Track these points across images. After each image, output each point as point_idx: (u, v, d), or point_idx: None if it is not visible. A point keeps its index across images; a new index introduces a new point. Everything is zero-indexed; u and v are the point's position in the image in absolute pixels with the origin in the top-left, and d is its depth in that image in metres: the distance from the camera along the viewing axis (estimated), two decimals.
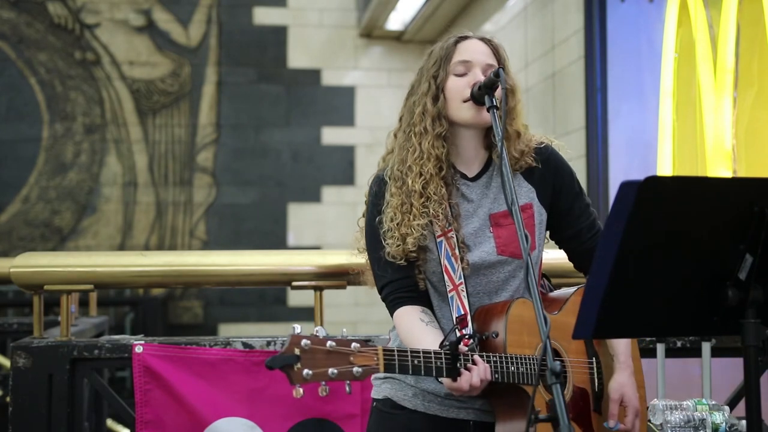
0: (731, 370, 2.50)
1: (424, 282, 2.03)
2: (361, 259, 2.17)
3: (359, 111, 8.30)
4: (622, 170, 4.67)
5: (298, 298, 7.82)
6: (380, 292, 2.06)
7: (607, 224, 1.50)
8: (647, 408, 2.30)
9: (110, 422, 4.79)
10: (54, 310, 5.34)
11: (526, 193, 2.05)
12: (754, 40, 3.95)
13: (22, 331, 4.23)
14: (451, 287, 1.97)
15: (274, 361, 1.58)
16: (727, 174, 4.01)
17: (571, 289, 2.08)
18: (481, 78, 1.99)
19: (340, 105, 8.29)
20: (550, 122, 5.37)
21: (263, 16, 8.27)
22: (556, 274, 2.57)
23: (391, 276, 2.02)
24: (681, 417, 2.21)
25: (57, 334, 2.84)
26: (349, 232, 2.20)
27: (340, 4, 8.33)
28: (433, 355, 1.76)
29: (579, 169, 4.71)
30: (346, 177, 8.20)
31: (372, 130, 8.08)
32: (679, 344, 2.77)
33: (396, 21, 7.91)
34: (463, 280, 1.96)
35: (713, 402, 2.30)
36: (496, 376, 1.81)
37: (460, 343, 1.79)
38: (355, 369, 1.63)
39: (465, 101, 2.00)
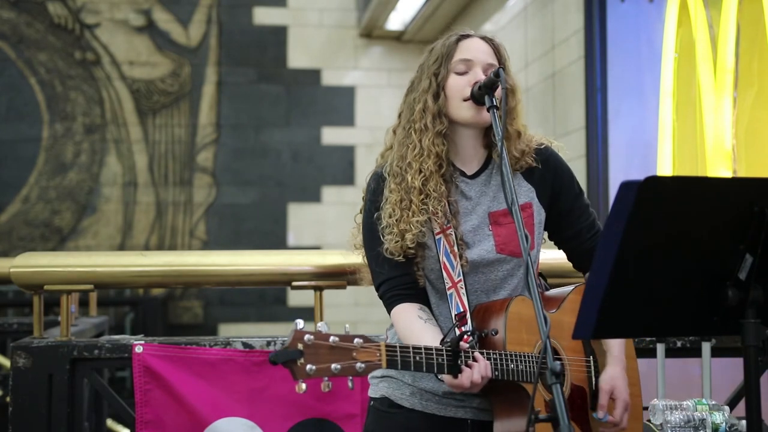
0: (731, 370, 2.51)
1: (423, 279, 2.02)
2: (357, 255, 2.15)
3: (359, 111, 8.30)
4: (622, 170, 4.67)
5: (298, 298, 7.81)
6: (377, 290, 2.05)
7: (607, 224, 1.50)
8: (647, 408, 2.30)
9: (110, 422, 4.79)
10: (54, 310, 5.34)
11: (525, 193, 2.06)
12: (754, 40, 3.95)
13: (22, 331, 4.23)
14: (450, 284, 1.97)
15: (278, 356, 1.57)
16: (727, 174, 4.01)
17: (569, 288, 2.08)
18: (482, 77, 1.99)
19: (340, 105, 8.29)
20: (550, 122, 5.37)
21: (263, 16, 8.27)
22: (555, 274, 2.57)
23: (388, 273, 2.01)
24: (681, 417, 2.21)
25: (57, 334, 2.84)
26: (349, 232, 2.19)
27: (340, 4, 8.33)
28: (434, 351, 1.76)
29: (579, 169, 4.71)
30: (346, 177, 8.21)
31: (372, 130, 8.08)
32: (679, 344, 2.78)
33: (396, 21, 7.91)
34: (462, 277, 1.96)
35: (713, 402, 2.30)
36: (496, 373, 1.81)
37: (461, 340, 1.79)
38: (358, 365, 1.63)
39: (465, 100, 2.00)
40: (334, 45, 8.33)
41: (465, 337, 1.84)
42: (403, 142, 2.05)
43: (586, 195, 2.16)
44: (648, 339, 2.71)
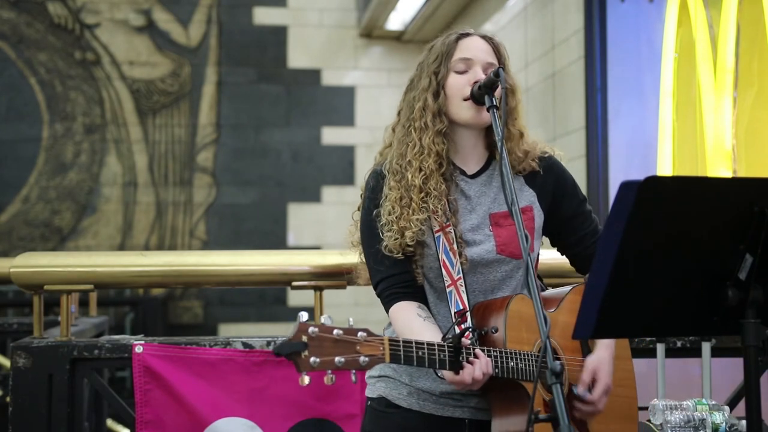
0: (731, 370, 2.51)
1: (422, 277, 2.01)
2: (355, 253, 2.14)
3: (359, 111, 8.30)
4: (622, 170, 4.67)
5: (298, 298, 7.81)
6: (375, 287, 2.04)
7: (607, 224, 1.50)
8: (647, 408, 2.30)
9: (110, 422, 4.79)
10: (54, 310, 5.34)
11: (527, 197, 2.05)
12: (754, 40, 3.95)
13: (22, 331, 4.23)
14: (450, 282, 1.96)
15: (282, 347, 1.57)
16: (727, 174, 4.01)
17: (566, 288, 2.08)
18: (482, 76, 1.99)
19: (340, 105, 8.29)
20: (550, 122, 5.37)
21: (263, 16, 8.27)
22: (554, 275, 2.57)
23: (387, 271, 2.00)
24: (681, 417, 2.21)
25: (57, 334, 2.84)
26: (348, 231, 2.18)
27: (340, 4, 8.33)
28: (436, 347, 1.76)
29: (579, 169, 4.71)
30: (346, 177, 8.21)
31: (372, 130, 8.07)
32: (679, 344, 2.77)
33: (396, 21, 7.91)
34: (461, 275, 1.95)
35: (713, 402, 2.30)
36: (497, 371, 1.81)
37: (463, 336, 1.79)
38: (362, 358, 1.62)
39: (465, 99, 2.00)
40: (334, 45, 8.33)
41: (466, 333, 1.84)
42: (402, 140, 2.04)
43: (586, 195, 2.16)
44: (648, 339, 2.71)
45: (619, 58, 4.75)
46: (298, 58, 8.27)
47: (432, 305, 2.02)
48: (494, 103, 1.93)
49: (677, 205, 1.51)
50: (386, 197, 2.01)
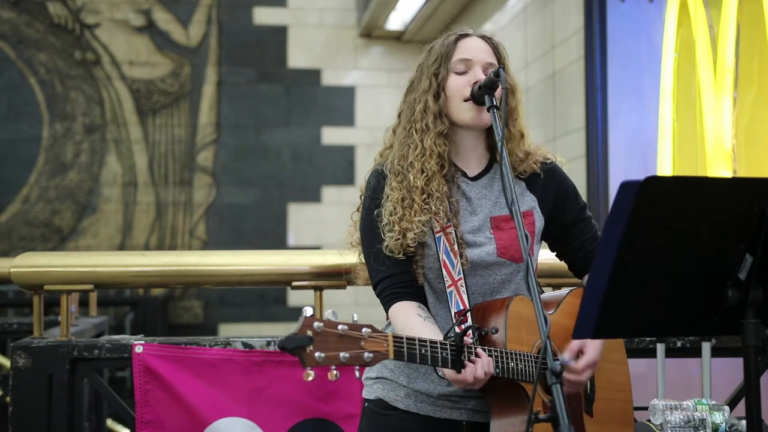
0: (731, 370, 2.51)
1: (422, 278, 2.01)
2: (354, 254, 2.14)
3: (359, 111, 8.30)
4: (622, 170, 4.67)
5: (298, 298, 7.81)
6: (375, 288, 2.04)
7: (607, 224, 1.50)
8: (647, 408, 2.30)
9: (110, 422, 4.79)
10: (54, 310, 5.34)
11: (528, 202, 2.05)
12: (754, 40, 3.95)
13: (22, 331, 4.22)
14: (450, 282, 1.96)
15: (287, 342, 1.56)
16: (727, 174, 4.01)
17: (565, 291, 2.08)
18: (482, 76, 1.98)
19: (340, 105, 8.29)
20: (550, 122, 5.37)
21: (263, 16, 8.27)
22: (554, 275, 2.57)
23: (387, 271, 2.00)
24: (681, 417, 2.21)
25: (57, 334, 2.84)
26: (347, 231, 2.18)
27: (340, 4, 8.33)
28: (439, 345, 1.76)
29: (579, 169, 4.71)
30: (346, 177, 8.21)
31: (372, 130, 8.07)
32: (679, 344, 2.78)
33: (396, 21, 7.91)
34: (462, 275, 1.95)
35: (713, 402, 2.30)
36: (497, 370, 1.82)
37: (465, 335, 1.79)
38: (366, 354, 1.62)
39: (465, 100, 1.99)
40: (334, 45, 8.33)
41: (468, 332, 1.84)
42: (404, 142, 2.04)
43: (586, 195, 2.16)
44: (648, 339, 2.71)
45: (619, 58, 4.75)
46: (298, 58, 8.27)
47: (431, 306, 2.02)
48: (494, 104, 1.93)
49: (677, 205, 1.51)
50: (388, 197, 2.01)
